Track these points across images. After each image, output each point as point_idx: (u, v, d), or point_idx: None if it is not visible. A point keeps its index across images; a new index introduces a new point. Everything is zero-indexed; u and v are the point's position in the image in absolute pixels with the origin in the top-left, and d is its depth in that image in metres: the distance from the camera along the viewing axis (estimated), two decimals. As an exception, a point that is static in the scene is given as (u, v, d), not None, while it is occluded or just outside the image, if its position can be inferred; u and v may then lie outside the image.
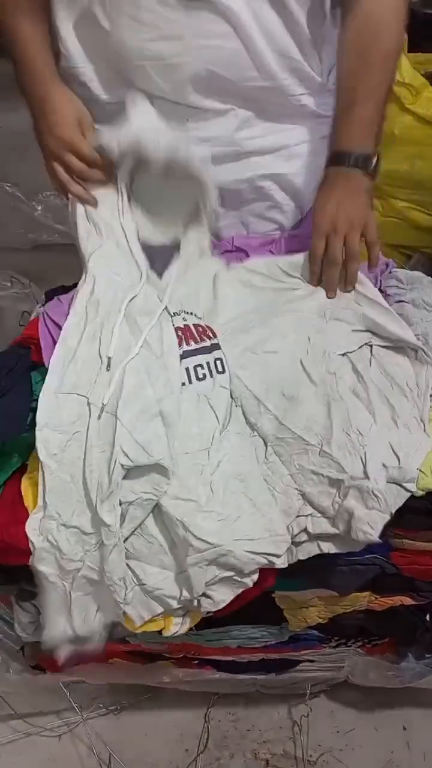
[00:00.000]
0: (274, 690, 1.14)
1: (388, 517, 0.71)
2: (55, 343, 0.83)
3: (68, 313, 0.85)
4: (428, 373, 0.82)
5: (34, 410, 0.80)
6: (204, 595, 0.72)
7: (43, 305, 0.94)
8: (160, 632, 0.76)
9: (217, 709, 1.18)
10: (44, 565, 0.71)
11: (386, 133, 1.51)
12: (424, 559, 0.80)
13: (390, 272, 0.98)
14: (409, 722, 1.17)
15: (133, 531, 0.72)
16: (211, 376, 0.82)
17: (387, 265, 1.00)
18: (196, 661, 1.02)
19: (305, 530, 0.73)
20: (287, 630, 0.94)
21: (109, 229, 0.90)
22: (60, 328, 0.85)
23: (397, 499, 0.73)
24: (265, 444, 0.78)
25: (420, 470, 0.74)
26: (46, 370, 0.82)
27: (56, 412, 0.75)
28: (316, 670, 1.04)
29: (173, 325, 0.84)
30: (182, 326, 0.85)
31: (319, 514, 0.74)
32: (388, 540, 0.79)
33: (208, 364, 0.82)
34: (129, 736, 1.15)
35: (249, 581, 0.73)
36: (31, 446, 0.81)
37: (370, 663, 1.02)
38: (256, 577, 0.74)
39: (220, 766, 1.11)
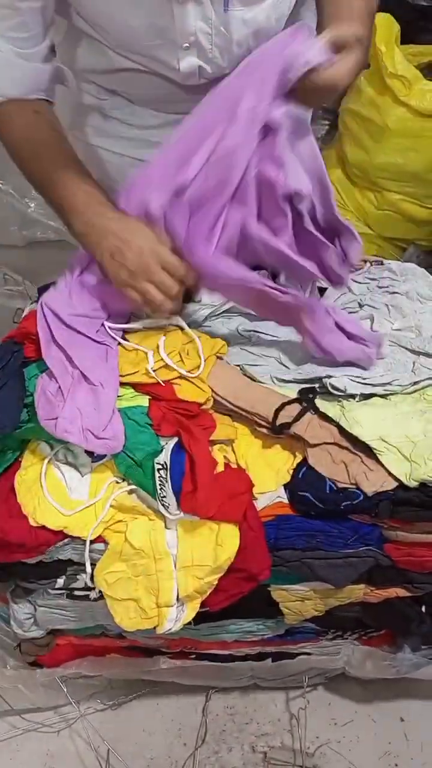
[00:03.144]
0: (272, 683, 1.14)
1: None
2: (53, 335, 0.83)
3: (72, 302, 0.85)
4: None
5: (28, 406, 0.80)
6: None
7: (36, 302, 0.93)
8: (154, 629, 0.76)
9: (215, 703, 1.18)
10: None
11: (380, 126, 1.51)
12: (419, 551, 0.80)
13: (383, 264, 0.99)
14: (407, 714, 1.17)
15: None
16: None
17: (381, 263, 1.00)
18: (193, 656, 1.02)
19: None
20: (283, 623, 0.94)
21: None
22: (59, 318, 0.84)
23: None
24: None
25: (414, 461, 0.74)
26: (42, 364, 0.82)
27: None
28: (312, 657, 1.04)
29: None
30: None
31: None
32: (382, 532, 0.79)
33: None
34: (127, 730, 1.15)
35: None
36: (25, 442, 0.81)
37: (367, 654, 1.03)
38: None
39: (219, 759, 1.12)
